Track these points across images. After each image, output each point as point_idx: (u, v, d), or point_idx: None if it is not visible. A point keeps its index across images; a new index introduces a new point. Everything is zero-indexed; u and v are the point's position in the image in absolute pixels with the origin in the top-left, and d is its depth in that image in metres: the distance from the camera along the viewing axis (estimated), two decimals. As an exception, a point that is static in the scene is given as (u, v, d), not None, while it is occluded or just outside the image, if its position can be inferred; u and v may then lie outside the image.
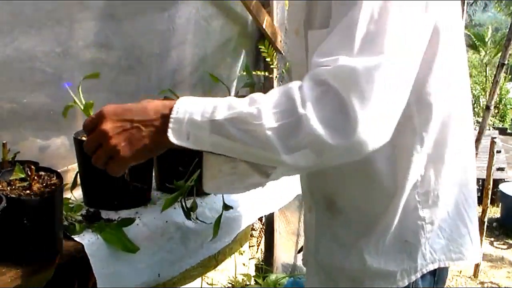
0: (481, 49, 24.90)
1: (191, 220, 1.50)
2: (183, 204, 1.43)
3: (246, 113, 0.88)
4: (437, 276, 1.15)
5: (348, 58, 0.84)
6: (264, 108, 0.87)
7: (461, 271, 5.12)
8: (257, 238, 3.42)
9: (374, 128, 0.84)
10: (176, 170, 1.50)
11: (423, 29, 0.92)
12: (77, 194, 1.59)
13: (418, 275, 1.11)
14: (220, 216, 1.51)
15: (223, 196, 1.44)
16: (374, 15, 0.85)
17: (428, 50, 0.96)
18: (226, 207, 1.53)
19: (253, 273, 3.06)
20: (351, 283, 1.17)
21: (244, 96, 0.95)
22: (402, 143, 1.06)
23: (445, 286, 1.22)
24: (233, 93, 2.62)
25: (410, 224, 1.10)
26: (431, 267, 1.12)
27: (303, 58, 1.14)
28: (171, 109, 0.92)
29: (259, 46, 2.55)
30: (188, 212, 1.48)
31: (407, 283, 1.11)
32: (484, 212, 4.87)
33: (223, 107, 0.90)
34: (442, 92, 1.05)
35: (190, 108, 0.91)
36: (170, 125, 0.91)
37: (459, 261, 1.14)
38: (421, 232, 1.10)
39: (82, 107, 1.15)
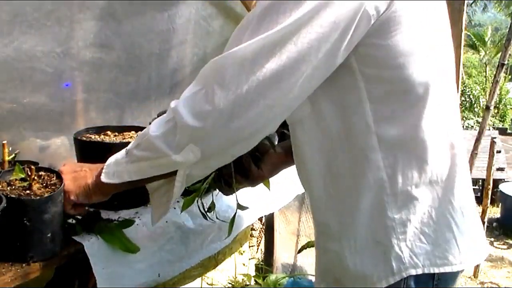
0: (480, 49, 24.93)
1: (207, 219, 1.51)
2: (200, 204, 1.44)
3: (141, 134, 1.08)
4: (437, 280, 1.11)
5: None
6: (154, 123, 1.05)
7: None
8: (257, 238, 3.42)
9: (222, 104, 0.96)
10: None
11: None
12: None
13: (397, 278, 1.08)
14: (235, 215, 1.51)
15: (236, 196, 1.45)
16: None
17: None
18: (241, 207, 1.53)
19: (253, 273, 3.06)
20: (337, 283, 1.17)
21: None
22: (356, 141, 1.06)
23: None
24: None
25: (380, 224, 1.09)
26: (413, 272, 1.08)
27: None
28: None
29: (259, 46, 2.55)
30: (205, 213, 1.50)
31: (385, 285, 1.09)
32: (484, 212, 4.88)
33: (135, 141, 1.10)
34: (406, 69, 1.03)
35: (116, 152, 1.14)
36: (104, 170, 1.13)
37: (445, 267, 1.10)
38: (391, 233, 1.08)
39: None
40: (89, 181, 1.18)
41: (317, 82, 1.00)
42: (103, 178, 1.12)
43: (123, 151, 1.12)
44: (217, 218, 1.56)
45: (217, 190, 1.41)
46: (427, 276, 1.10)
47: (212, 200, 1.49)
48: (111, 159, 1.14)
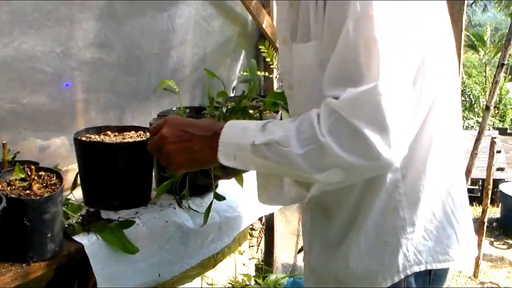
0: (480, 49, 24.92)
1: (182, 208, 1.52)
2: (176, 192, 1.44)
3: (277, 140, 0.98)
4: (433, 276, 1.14)
5: (350, 89, 0.91)
6: (291, 135, 0.96)
7: (461, 271, 5.12)
8: (257, 238, 3.42)
9: (392, 149, 0.90)
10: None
11: (409, 46, 0.95)
12: (77, 194, 1.59)
13: (402, 275, 1.10)
14: (211, 204, 1.52)
15: (214, 186, 1.44)
16: (363, 42, 0.91)
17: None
18: (218, 197, 1.53)
19: (253, 273, 3.06)
20: (338, 284, 1.18)
21: (244, 92, 1.00)
22: None
23: (445, 286, 1.21)
24: (232, 93, 2.62)
25: (390, 224, 1.10)
26: (417, 269, 1.10)
27: (291, 68, 1.14)
28: (220, 132, 1.03)
29: (259, 46, 2.55)
30: (180, 200, 1.52)
31: (390, 284, 1.11)
32: (484, 212, 4.88)
33: (260, 131, 1.01)
34: (422, 86, 1.03)
35: (234, 132, 1.03)
36: (220, 148, 1.02)
37: (446, 263, 1.13)
38: (401, 233, 1.09)
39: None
40: (199, 155, 1.06)
41: None
42: (222, 159, 1.02)
43: (244, 135, 1.01)
44: (189, 207, 1.60)
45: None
46: (425, 272, 1.12)
47: (187, 188, 1.52)
48: (228, 139, 1.02)
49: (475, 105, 22.55)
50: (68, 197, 1.55)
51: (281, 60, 1.22)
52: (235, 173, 1.35)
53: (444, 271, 1.17)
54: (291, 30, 1.13)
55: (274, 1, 2.61)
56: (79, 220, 1.41)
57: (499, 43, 22.87)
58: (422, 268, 1.11)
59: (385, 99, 0.88)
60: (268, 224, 2.99)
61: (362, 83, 0.90)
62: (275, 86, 2.74)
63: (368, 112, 0.89)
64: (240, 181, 1.51)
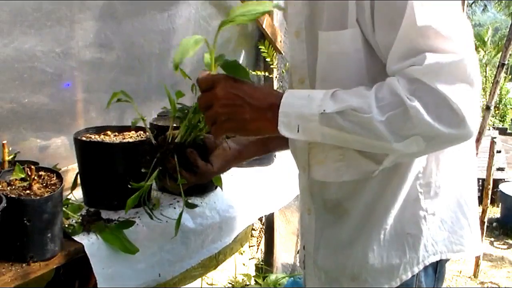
0: (481, 49, 24.91)
1: (152, 219, 1.43)
2: (145, 203, 1.35)
3: (355, 107, 0.92)
4: (438, 272, 1.16)
5: (433, 55, 0.89)
6: (371, 101, 0.92)
7: (461, 271, 5.12)
8: (257, 238, 3.42)
9: (473, 116, 0.90)
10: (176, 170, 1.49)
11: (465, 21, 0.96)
12: (77, 194, 1.59)
13: (421, 266, 1.12)
14: (181, 214, 1.38)
15: (183, 194, 1.35)
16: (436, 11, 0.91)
17: None
18: (189, 205, 1.48)
19: (253, 273, 3.06)
20: (353, 283, 1.17)
21: None
22: None
23: (445, 286, 1.22)
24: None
25: (411, 215, 1.11)
26: (433, 259, 1.12)
27: (304, 60, 1.14)
28: (279, 104, 0.97)
29: (259, 46, 2.55)
30: (151, 213, 1.42)
31: (410, 276, 1.12)
32: (484, 212, 4.87)
33: (330, 99, 0.95)
34: None
35: (297, 101, 0.97)
36: (280, 119, 0.96)
37: (460, 253, 1.15)
38: (423, 223, 1.11)
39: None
40: (249, 126, 1.01)
41: None
42: (283, 131, 0.97)
43: (309, 105, 0.96)
44: (161, 215, 1.51)
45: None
46: (435, 262, 1.14)
47: (157, 198, 1.50)
48: (291, 109, 0.97)
49: (475, 105, 22.51)
50: (68, 197, 1.55)
51: (292, 53, 1.18)
52: (206, 174, 1.29)
53: (445, 266, 1.20)
54: (307, 21, 1.11)
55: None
56: (79, 220, 1.41)
57: (499, 43, 22.85)
58: (437, 258, 1.13)
59: (469, 66, 0.88)
60: (268, 224, 2.99)
61: (442, 50, 0.89)
62: (275, 86, 2.74)
63: (453, 78, 0.88)
64: (219, 182, 1.47)
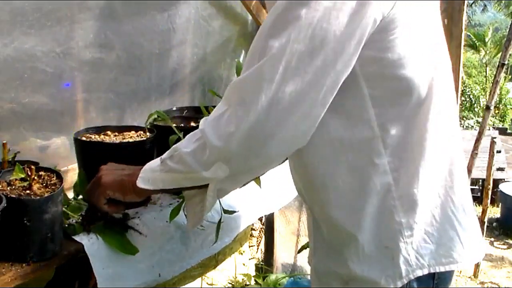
0: (481, 49, 24.92)
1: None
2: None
3: (174, 147, 1.10)
4: (437, 279, 1.12)
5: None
6: (186, 138, 1.09)
7: (461, 271, 5.12)
8: (257, 238, 3.42)
9: (254, 135, 0.98)
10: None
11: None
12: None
13: (405, 280, 1.09)
14: (220, 219, 1.51)
15: (220, 202, 1.43)
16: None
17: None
18: (227, 212, 1.57)
19: (253, 273, 3.06)
20: (345, 285, 1.17)
21: None
22: (361, 148, 1.06)
23: (445, 286, 1.20)
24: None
25: (387, 229, 1.09)
26: (420, 273, 1.09)
27: None
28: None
29: (259, 46, 2.54)
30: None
31: None
32: (484, 212, 4.87)
33: (169, 151, 1.11)
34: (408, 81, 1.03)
35: (153, 160, 1.15)
36: (140, 174, 1.14)
37: (451, 265, 1.12)
38: (399, 237, 1.08)
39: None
40: (125, 178, 1.18)
41: (336, 91, 0.98)
42: (139, 183, 1.13)
43: (158, 159, 1.13)
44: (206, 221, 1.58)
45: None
46: (429, 276, 1.10)
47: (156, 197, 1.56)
48: (147, 166, 1.15)
49: (475, 105, 22.55)
50: (69, 197, 1.55)
51: None
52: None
53: (449, 274, 1.16)
54: None
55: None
56: (79, 220, 1.41)
57: (499, 43, 22.86)
58: (425, 271, 1.09)
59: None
60: (268, 224, 2.99)
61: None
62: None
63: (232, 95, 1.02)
64: (258, 182, 1.51)
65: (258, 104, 0.94)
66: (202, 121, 1.06)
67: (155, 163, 1.13)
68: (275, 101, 0.93)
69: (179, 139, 1.47)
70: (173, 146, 1.12)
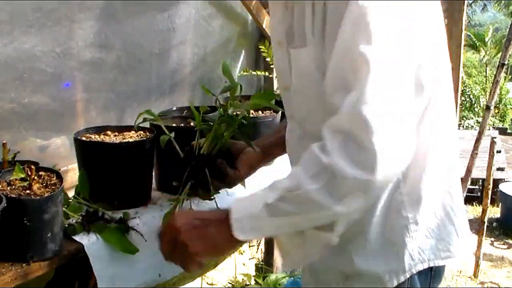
0: (481, 49, 24.92)
1: None
2: None
3: (289, 187, 0.95)
4: (433, 272, 1.15)
5: (348, 98, 0.89)
6: (300, 176, 0.94)
7: (461, 271, 5.12)
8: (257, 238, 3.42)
9: (392, 159, 0.90)
10: (176, 171, 1.49)
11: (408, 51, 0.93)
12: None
13: (407, 275, 1.11)
14: None
15: (216, 201, 1.42)
16: (357, 48, 0.89)
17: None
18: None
19: (253, 273, 3.06)
20: (342, 283, 1.17)
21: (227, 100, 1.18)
22: None
23: (445, 286, 1.22)
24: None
25: (394, 224, 1.10)
26: (420, 267, 1.11)
27: (286, 69, 1.14)
28: (229, 211, 1.00)
29: (259, 46, 2.55)
30: None
31: (396, 284, 1.11)
32: (484, 212, 4.87)
33: (269, 191, 0.98)
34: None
35: (245, 203, 1.01)
36: (234, 225, 0.98)
37: (448, 259, 1.14)
38: (406, 233, 1.10)
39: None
40: (219, 238, 1.03)
41: None
42: (240, 235, 0.98)
43: (254, 203, 0.99)
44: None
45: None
46: (427, 269, 1.13)
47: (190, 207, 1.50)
48: (240, 213, 1.00)
49: (475, 105, 22.54)
50: (69, 196, 1.55)
51: (276, 61, 1.21)
52: (235, 180, 1.33)
53: (443, 267, 1.19)
54: (286, 32, 1.12)
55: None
56: (79, 220, 1.41)
57: (499, 43, 22.87)
58: (425, 266, 1.12)
59: (369, 110, 0.87)
60: (268, 224, 2.99)
61: (353, 90, 0.88)
62: (275, 86, 2.74)
63: (372, 129, 0.86)
64: (243, 183, 1.50)
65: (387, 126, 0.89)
66: (323, 157, 0.92)
67: (253, 208, 0.98)
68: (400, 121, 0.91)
69: (170, 141, 1.45)
70: (276, 185, 0.98)
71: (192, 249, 1.03)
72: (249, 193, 1.04)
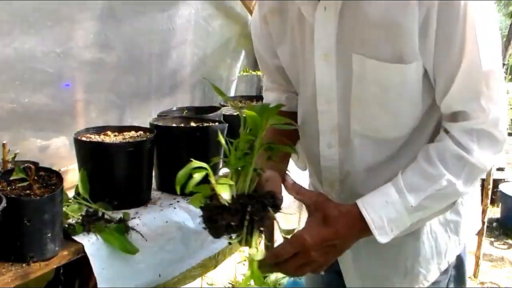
0: (481, 49, 24.88)
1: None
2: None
3: (436, 188, 1.04)
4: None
5: (490, 105, 1.02)
6: (446, 175, 1.04)
7: (461, 271, 5.11)
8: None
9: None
10: (176, 171, 1.48)
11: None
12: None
13: (461, 247, 1.24)
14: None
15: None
16: (488, 59, 0.99)
17: None
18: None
19: (253, 273, 3.06)
20: (405, 280, 1.22)
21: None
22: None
23: (445, 286, 1.25)
24: (232, 93, 2.62)
25: (451, 222, 1.22)
26: (467, 240, 1.25)
27: (332, 83, 1.12)
28: (364, 226, 1.04)
29: (259, 46, 2.54)
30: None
31: (454, 258, 1.23)
32: (484, 212, 4.87)
33: (408, 194, 1.04)
34: None
35: (381, 212, 1.04)
36: (378, 236, 1.04)
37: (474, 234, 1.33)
38: (461, 208, 1.21)
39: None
40: (347, 247, 1.08)
41: None
42: (383, 240, 1.04)
43: (395, 210, 1.05)
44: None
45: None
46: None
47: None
48: (381, 221, 1.04)
49: (475, 105, 22.54)
50: (69, 196, 1.55)
51: (320, 76, 1.14)
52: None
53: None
54: (338, 45, 1.09)
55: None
56: (79, 220, 1.41)
57: (499, 43, 22.87)
58: (470, 238, 1.28)
59: (497, 109, 1.03)
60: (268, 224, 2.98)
61: (484, 97, 1.01)
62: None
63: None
64: None
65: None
66: (458, 151, 1.04)
67: (390, 213, 1.04)
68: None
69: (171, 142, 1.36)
70: (414, 187, 1.05)
71: (323, 264, 1.06)
72: (376, 199, 1.06)
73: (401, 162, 1.12)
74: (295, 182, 1.13)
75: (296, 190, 1.11)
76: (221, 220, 0.99)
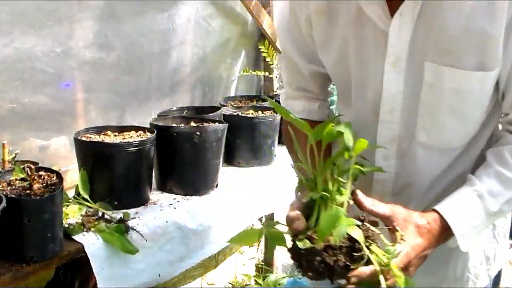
0: (481, 49, 24.86)
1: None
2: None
3: (471, 199, 1.02)
4: None
5: None
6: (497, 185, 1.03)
7: (461, 271, 5.10)
8: (257, 238, 3.41)
9: None
10: (176, 171, 1.48)
11: None
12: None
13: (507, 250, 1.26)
14: None
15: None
16: None
17: None
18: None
19: (253, 273, 3.06)
20: (455, 283, 1.21)
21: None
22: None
23: (445, 286, 1.23)
24: (232, 92, 2.62)
25: (488, 236, 1.21)
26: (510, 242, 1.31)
27: (399, 92, 1.07)
28: (447, 235, 1.02)
29: (259, 46, 2.55)
30: None
31: (502, 261, 1.24)
32: None
33: (490, 198, 1.03)
34: None
35: (462, 221, 1.02)
36: (462, 246, 1.03)
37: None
38: (495, 242, 1.23)
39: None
40: (429, 255, 1.03)
41: None
42: (465, 248, 1.03)
43: (475, 216, 1.03)
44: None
45: None
46: None
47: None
48: (463, 229, 1.02)
49: (475, 105, 22.56)
50: (69, 196, 1.55)
51: (386, 84, 1.09)
52: None
53: None
54: (410, 52, 1.04)
55: (274, 1, 2.60)
56: (79, 220, 1.41)
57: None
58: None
59: None
60: (268, 224, 2.98)
61: None
62: (275, 86, 2.74)
63: None
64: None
65: None
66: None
67: (471, 220, 1.03)
68: None
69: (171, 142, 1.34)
70: (494, 192, 1.03)
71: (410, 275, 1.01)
72: (451, 211, 1.03)
73: (458, 170, 1.11)
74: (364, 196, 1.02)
75: (371, 202, 1.00)
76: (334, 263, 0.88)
